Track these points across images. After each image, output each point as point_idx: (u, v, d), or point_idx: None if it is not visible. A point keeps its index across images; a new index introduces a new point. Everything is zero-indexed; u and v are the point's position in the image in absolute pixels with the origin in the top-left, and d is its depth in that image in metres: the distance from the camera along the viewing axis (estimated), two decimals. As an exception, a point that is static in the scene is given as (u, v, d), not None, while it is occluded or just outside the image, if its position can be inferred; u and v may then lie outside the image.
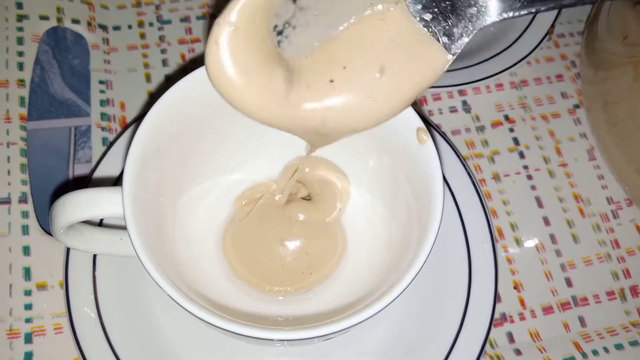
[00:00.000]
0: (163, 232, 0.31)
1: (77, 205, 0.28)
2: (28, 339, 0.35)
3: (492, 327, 0.35)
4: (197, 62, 0.46)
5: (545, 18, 0.46)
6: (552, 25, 0.45)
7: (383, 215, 0.35)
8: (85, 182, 0.37)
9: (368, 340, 0.35)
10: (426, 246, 0.27)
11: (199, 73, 0.30)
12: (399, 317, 0.35)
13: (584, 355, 0.38)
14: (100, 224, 0.35)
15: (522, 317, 0.39)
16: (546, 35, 0.45)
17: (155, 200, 0.30)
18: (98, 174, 0.37)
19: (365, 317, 0.26)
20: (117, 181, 0.37)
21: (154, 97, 0.44)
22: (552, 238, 0.42)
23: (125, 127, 0.39)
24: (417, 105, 0.29)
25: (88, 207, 0.27)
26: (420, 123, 0.29)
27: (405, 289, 0.27)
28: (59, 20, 0.45)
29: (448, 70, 0.43)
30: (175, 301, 0.26)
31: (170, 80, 0.44)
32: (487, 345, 0.36)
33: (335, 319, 0.26)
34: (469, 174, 0.39)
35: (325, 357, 0.35)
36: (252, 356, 0.35)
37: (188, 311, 0.26)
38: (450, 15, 0.26)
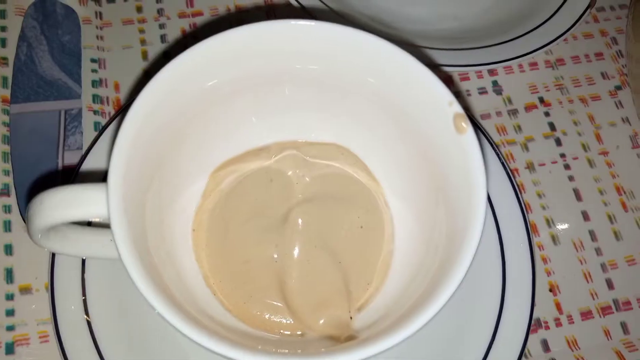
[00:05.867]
0: (150, 237, 0.27)
1: (56, 206, 0.24)
2: (9, 349, 0.32)
3: (527, 334, 0.32)
4: (199, 38, 0.41)
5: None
6: (594, -3, 0.41)
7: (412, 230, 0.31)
8: (73, 173, 0.33)
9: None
10: (456, 277, 0.23)
11: (188, 54, 0.28)
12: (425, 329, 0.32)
13: (627, 366, 0.35)
14: (89, 223, 0.32)
15: (558, 323, 0.36)
16: (587, 9, 0.41)
17: (142, 197, 0.26)
18: (88, 164, 0.33)
19: (389, 346, 0.23)
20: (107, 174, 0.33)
21: (150, 77, 0.39)
22: (592, 235, 0.38)
23: (118, 111, 0.35)
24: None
25: (69, 208, 0.24)
26: (459, 108, 0.25)
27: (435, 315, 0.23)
28: (47, -9, 0.42)
29: (477, 48, 0.40)
30: (173, 326, 0.22)
31: (169, 58, 0.40)
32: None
33: (355, 346, 0.23)
34: (502, 163, 0.35)
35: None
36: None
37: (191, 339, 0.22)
38: None
